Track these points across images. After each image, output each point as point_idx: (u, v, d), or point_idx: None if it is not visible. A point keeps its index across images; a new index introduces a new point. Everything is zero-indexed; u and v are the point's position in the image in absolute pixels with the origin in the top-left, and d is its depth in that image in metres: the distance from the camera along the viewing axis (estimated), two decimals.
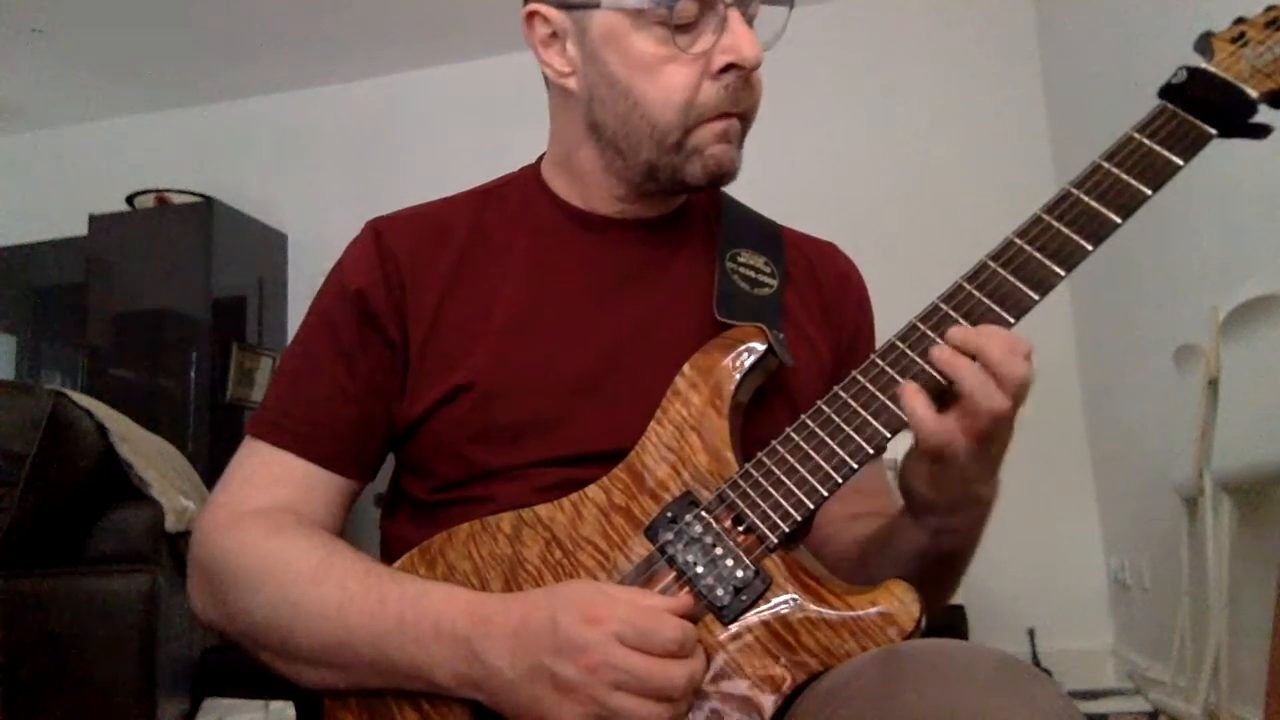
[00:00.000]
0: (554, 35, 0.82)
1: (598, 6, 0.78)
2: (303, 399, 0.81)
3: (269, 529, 0.75)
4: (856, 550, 0.80)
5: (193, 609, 0.79)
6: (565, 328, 0.80)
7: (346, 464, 0.81)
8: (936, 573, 0.74)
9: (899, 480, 0.72)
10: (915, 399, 0.65)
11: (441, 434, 0.78)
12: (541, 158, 0.91)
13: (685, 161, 0.79)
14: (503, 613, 0.65)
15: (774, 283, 0.85)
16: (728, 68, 0.76)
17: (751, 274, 0.84)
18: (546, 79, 0.86)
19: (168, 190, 4.06)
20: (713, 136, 0.78)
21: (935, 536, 0.72)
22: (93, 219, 4.04)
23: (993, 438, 0.65)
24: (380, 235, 0.84)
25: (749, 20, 0.79)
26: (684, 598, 0.66)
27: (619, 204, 0.85)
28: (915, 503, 0.71)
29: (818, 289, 0.89)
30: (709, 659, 0.65)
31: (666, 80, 0.77)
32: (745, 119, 0.81)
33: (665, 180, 0.81)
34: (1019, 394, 0.64)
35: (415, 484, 0.81)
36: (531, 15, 0.82)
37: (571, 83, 0.82)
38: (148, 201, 4.08)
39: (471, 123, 4.04)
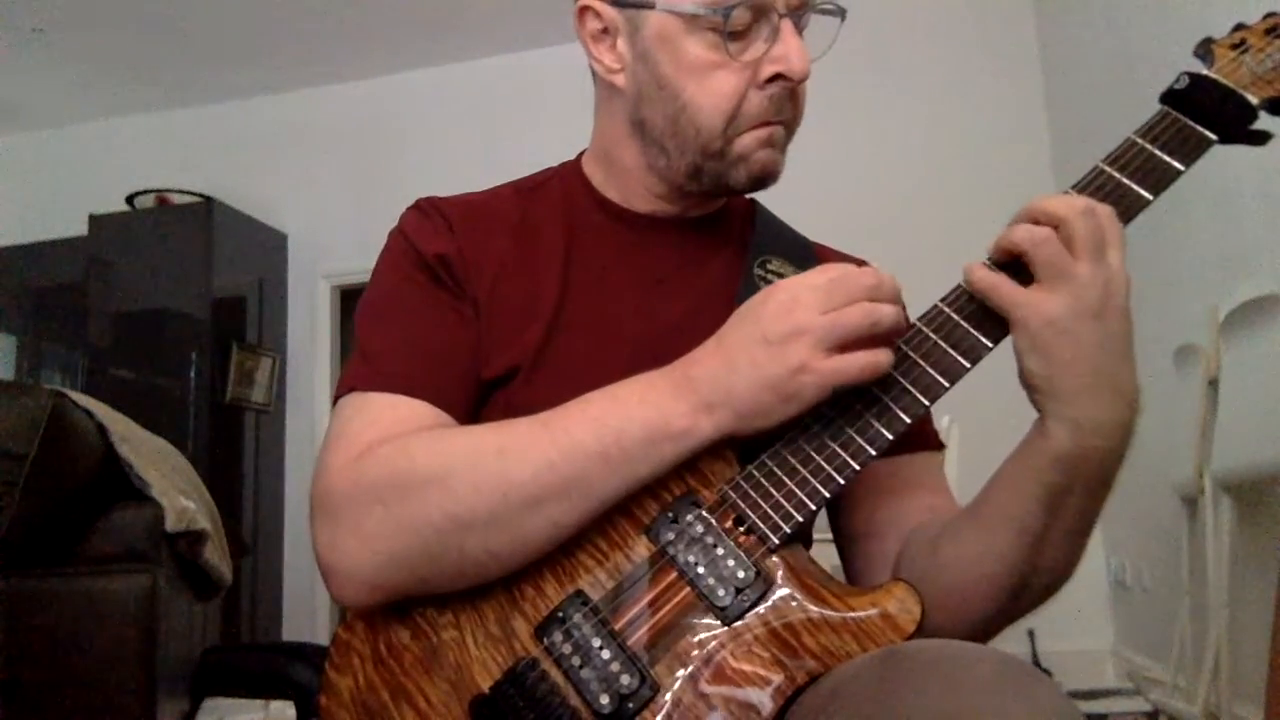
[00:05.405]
0: (605, 31, 0.82)
1: (653, 8, 0.78)
2: (419, 351, 0.77)
3: (422, 432, 0.71)
4: (964, 517, 0.73)
5: (334, 564, 0.69)
6: (599, 325, 0.80)
7: (465, 414, 0.77)
8: (1076, 502, 0.68)
9: (1021, 378, 0.67)
10: (977, 269, 0.67)
11: (486, 415, 0.78)
12: (583, 153, 0.92)
13: (730, 167, 0.80)
14: (692, 355, 0.69)
15: None
16: (774, 78, 0.76)
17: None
18: (594, 74, 0.86)
19: (168, 190, 4.07)
20: (756, 143, 0.79)
21: (1077, 434, 0.65)
22: (93, 219, 4.05)
23: (1087, 299, 0.63)
24: (438, 209, 0.84)
25: (800, 31, 0.78)
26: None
27: (658, 202, 0.86)
28: (1039, 387, 0.66)
29: None
30: (709, 659, 0.65)
31: (715, 86, 0.77)
32: (789, 127, 0.81)
33: (709, 183, 0.82)
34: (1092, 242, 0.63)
35: None
36: (584, 10, 0.82)
37: (619, 79, 0.82)
38: (148, 201, 4.09)
39: (471, 123, 4.03)
